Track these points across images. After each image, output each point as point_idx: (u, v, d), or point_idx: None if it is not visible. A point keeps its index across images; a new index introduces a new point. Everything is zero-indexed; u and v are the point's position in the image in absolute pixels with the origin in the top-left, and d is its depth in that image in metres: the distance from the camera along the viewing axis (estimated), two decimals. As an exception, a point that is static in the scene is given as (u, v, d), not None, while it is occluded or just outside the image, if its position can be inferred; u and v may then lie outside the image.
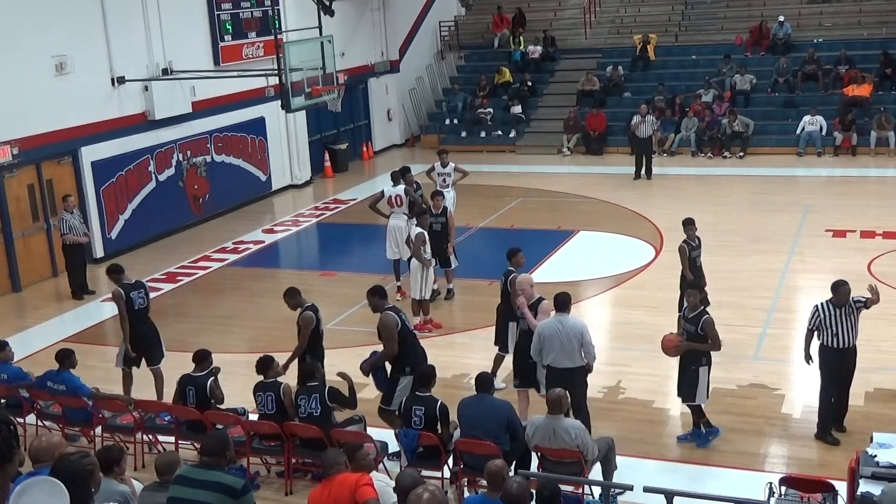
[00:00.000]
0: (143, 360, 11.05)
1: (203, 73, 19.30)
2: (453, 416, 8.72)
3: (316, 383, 9.22)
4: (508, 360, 10.80)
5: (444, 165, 16.50)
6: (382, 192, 15.23)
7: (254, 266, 17.31)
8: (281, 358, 9.98)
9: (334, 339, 13.05)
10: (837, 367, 9.52)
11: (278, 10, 21.11)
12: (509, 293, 10.54)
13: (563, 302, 9.57)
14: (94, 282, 16.18)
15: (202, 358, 9.79)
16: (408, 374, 9.46)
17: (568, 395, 8.53)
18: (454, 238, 14.52)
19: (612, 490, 7.96)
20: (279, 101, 17.88)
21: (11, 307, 15.58)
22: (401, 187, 14.94)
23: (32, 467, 5.64)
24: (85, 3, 17.20)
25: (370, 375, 9.82)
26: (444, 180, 16.40)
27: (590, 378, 11.28)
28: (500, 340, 10.96)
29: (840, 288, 9.45)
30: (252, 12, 21.33)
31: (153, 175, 18.75)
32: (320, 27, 18.41)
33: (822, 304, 9.51)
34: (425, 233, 13.11)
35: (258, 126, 21.73)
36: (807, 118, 23.53)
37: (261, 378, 9.46)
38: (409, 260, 13.64)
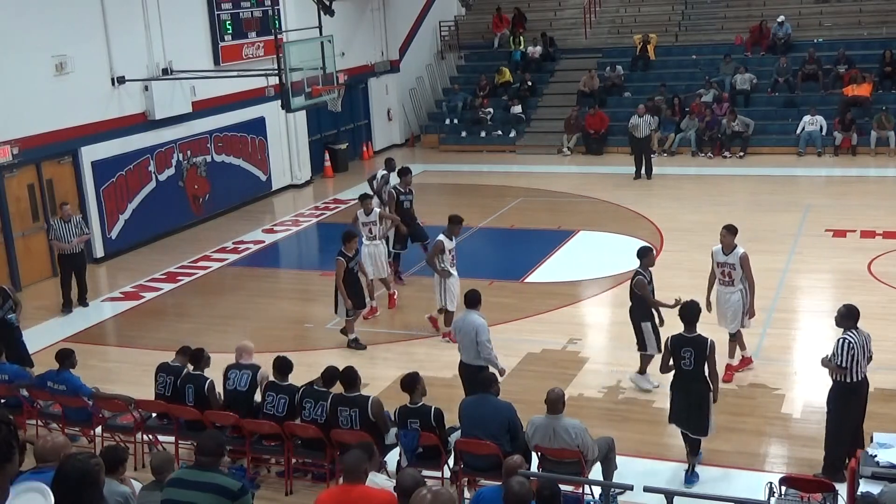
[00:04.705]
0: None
1: (203, 73, 19.31)
2: (454, 416, 8.71)
3: (323, 390, 9.11)
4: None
5: (367, 213, 13.91)
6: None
7: (254, 266, 17.31)
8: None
9: (335, 339, 13.07)
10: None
11: (278, 10, 21.12)
12: (637, 294, 10.75)
13: (471, 299, 10.05)
14: (93, 282, 16.14)
15: (198, 357, 9.81)
16: None
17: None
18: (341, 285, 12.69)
19: (612, 490, 7.94)
20: (279, 101, 17.90)
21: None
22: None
23: (36, 466, 5.64)
24: (85, 3, 17.20)
25: None
26: (371, 230, 13.88)
27: (590, 378, 11.40)
28: (640, 342, 10.96)
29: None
30: (252, 12, 21.33)
31: (153, 175, 18.75)
32: (320, 27, 18.42)
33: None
34: (444, 241, 12.45)
35: (258, 126, 21.73)
36: (807, 118, 23.53)
37: (273, 378, 9.42)
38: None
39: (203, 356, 9.80)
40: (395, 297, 14.38)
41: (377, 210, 14.12)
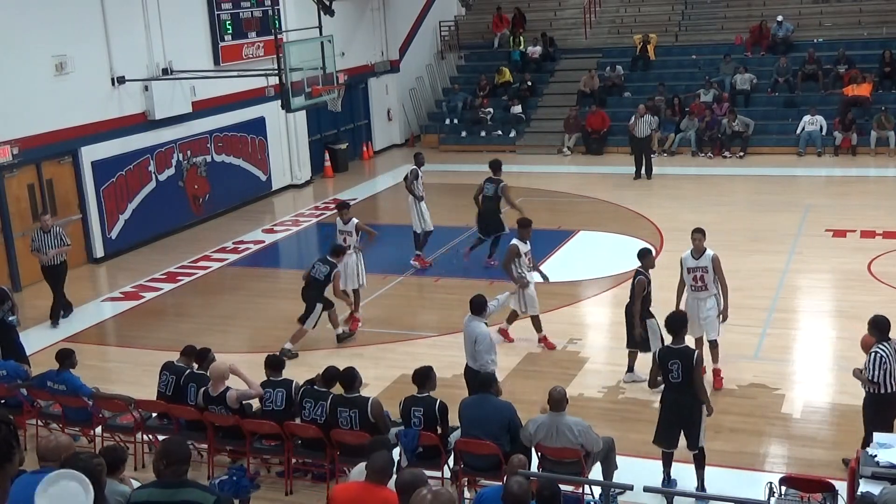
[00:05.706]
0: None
1: (203, 73, 19.30)
2: (454, 416, 8.71)
3: (323, 390, 9.11)
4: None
5: (345, 222, 13.86)
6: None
7: (254, 266, 17.31)
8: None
9: (334, 340, 13.06)
10: None
11: (278, 9, 21.10)
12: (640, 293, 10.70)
13: (475, 305, 10.03)
14: (93, 282, 16.13)
15: (203, 356, 9.81)
16: None
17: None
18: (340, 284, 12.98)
19: (612, 490, 7.95)
20: (279, 101, 17.89)
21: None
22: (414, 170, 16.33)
23: (39, 466, 5.64)
24: (85, 3, 17.20)
25: None
26: (345, 240, 13.66)
27: (590, 378, 11.40)
28: (631, 340, 10.95)
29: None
30: (252, 12, 21.32)
31: (153, 175, 18.74)
32: (320, 27, 18.42)
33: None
34: (518, 244, 12.24)
35: (258, 126, 21.73)
36: (807, 118, 23.53)
37: (267, 375, 9.45)
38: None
39: (208, 356, 9.82)
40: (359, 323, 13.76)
41: (355, 220, 13.86)
